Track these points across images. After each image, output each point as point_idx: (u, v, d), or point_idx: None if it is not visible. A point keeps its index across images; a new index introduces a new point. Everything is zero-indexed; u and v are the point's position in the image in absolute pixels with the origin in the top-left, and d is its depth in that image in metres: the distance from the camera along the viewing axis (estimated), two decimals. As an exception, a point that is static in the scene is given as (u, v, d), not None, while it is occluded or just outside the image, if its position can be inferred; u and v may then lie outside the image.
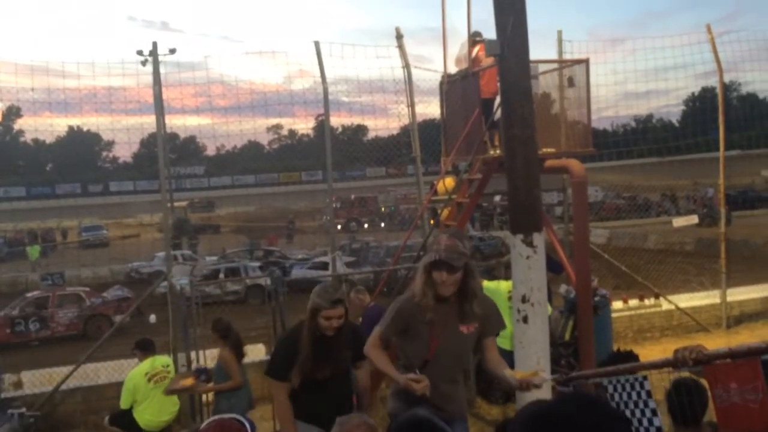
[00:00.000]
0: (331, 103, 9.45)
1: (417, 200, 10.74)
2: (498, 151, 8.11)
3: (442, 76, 9.58)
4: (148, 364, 7.11)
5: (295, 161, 76.08)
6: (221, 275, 22.05)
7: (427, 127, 11.47)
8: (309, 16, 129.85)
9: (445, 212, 8.70)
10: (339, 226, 36.84)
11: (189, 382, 6.52)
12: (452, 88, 9.43)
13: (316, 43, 9.28)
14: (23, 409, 8.15)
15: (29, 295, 18.63)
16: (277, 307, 7.83)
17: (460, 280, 3.54)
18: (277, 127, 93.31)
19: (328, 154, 9.34)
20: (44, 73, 10.32)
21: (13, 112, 79.17)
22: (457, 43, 9.48)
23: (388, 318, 3.74)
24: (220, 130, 11.39)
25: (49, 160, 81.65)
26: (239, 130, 10.95)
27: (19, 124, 79.89)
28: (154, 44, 9.10)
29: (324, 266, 22.60)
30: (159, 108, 9.75)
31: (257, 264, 24.22)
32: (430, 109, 10.58)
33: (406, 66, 9.70)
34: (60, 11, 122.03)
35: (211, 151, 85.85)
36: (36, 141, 79.00)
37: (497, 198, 32.56)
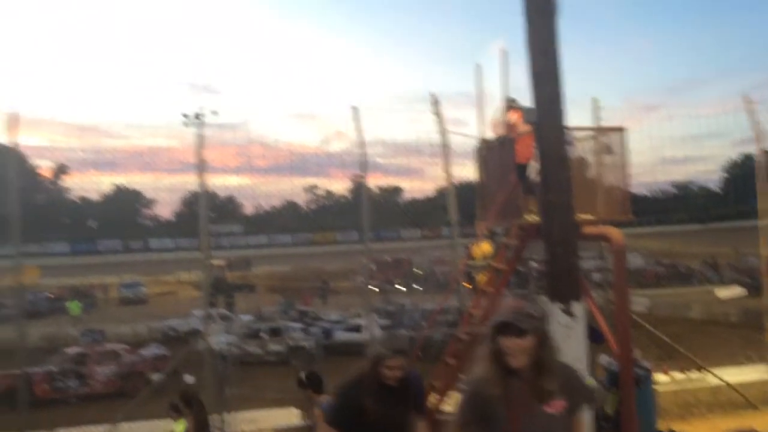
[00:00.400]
0: (367, 164, 9.64)
1: (453, 264, 10.74)
2: (535, 217, 8.12)
3: (479, 141, 9.73)
4: (182, 425, 7.14)
5: (331, 221, 76.78)
6: (263, 335, 22.08)
7: (463, 189, 11.56)
8: (346, 79, 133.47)
9: (483, 277, 8.67)
10: (374, 288, 36.77)
11: None
12: (489, 152, 9.55)
13: (354, 109, 9.55)
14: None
15: (69, 350, 18.88)
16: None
17: (532, 349, 3.02)
18: (314, 188, 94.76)
19: (365, 215, 9.46)
20: (94, 133, 10.73)
21: (62, 170, 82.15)
22: (492, 108, 9.66)
23: (459, 409, 3.26)
24: (258, 190, 11.62)
25: (93, 217, 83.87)
26: (277, 190, 11.15)
27: (65, 181, 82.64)
28: (199, 108, 9.45)
29: (358, 329, 22.50)
30: (201, 168, 10.03)
31: (300, 325, 24.15)
32: (466, 171, 10.70)
33: (442, 131, 9.88)
34: (112, 75, 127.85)
35: (249, 210, 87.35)
36: (82, 198, 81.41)
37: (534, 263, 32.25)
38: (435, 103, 9.79)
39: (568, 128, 6.59)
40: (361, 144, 9.35)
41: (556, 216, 6.05)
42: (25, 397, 9.49)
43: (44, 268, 37.04)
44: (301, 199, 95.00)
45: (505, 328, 3.01)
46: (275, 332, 22.32)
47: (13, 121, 8.77)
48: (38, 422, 10.26)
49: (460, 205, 10.54)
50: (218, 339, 10.88)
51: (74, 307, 33.73)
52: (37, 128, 9.20)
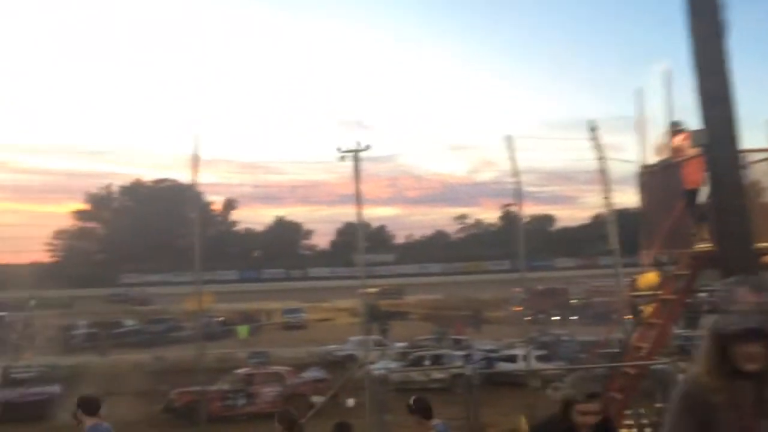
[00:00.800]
0: (517, 193, 9.60)
1: (615, 294, 10.31)
2: (707, 245, 7.63)
3: (640, 166, 9.34)
4: None
5: (481, 250, 76.31)
6: (426, 362, 22.37)
7: (620, 217, 11.11)
8: (495, 109, 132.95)
9: (649, 309, 8.27)
10: (527, 318, 35.94)
11: None
12: (652, 178, 9.14)
13: (509, 138, 9.58)
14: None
15: (238, 371, 20.23)
16: (471, 399, 7.82)
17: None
18: (463, 217, 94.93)
19: (520, 243, 9.39)
20: (256, 170, 11.60)
21: (230, 204, 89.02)
22: (654, 132, 9.27)
23: (674, 415, 2.91)
24: (409, 220, 11.88)
25: (257, 247, 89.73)
26: (427, 220, 11.36)
27: (234, 214, 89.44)
28: (354, 144, 9.92)
29: (511, 359, 22.09)
30: (358, 200, 10.49)
31: (462, 353, 24.03)
32: (623, 198, 10.30)
33: (601, 157, 9.61)
34: (273, 114, 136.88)
35: (400, 239, 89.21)
36: (247, 230, 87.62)
37: (704, 293, 29.89)
38: (593, 128, 9.55)
39: (742, 151, 6.18)
40: (515, 172, 9.34)
41: (732, 244, 5.67)
42: (203, 413, 10.36)
43: (216, 294, 40.15)
44: (451, 228, 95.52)
45: (748, 335, 2.67)
46: (437, 360, 22.50)
47: (194, 162, 9.76)
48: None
49: (618, 233, 10.14)
50: (378, 365, 11.16)
51: (243, 331, 36.20)
52: (210, 167, 10.15)
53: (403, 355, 27.77)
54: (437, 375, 20.93)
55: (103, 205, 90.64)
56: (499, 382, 19.11)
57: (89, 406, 6.49)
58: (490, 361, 22.84)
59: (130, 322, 43.20)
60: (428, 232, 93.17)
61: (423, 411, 6.48)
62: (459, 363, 20.99)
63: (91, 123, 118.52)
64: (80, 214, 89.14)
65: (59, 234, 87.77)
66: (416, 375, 19.26)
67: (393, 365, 21.10)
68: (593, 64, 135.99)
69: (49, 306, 52.35)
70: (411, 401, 6.64)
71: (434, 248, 78.46)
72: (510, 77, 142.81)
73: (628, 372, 8.26)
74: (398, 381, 20.48)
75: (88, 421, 6.31)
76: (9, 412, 18.92)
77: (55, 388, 20.52)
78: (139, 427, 17.48)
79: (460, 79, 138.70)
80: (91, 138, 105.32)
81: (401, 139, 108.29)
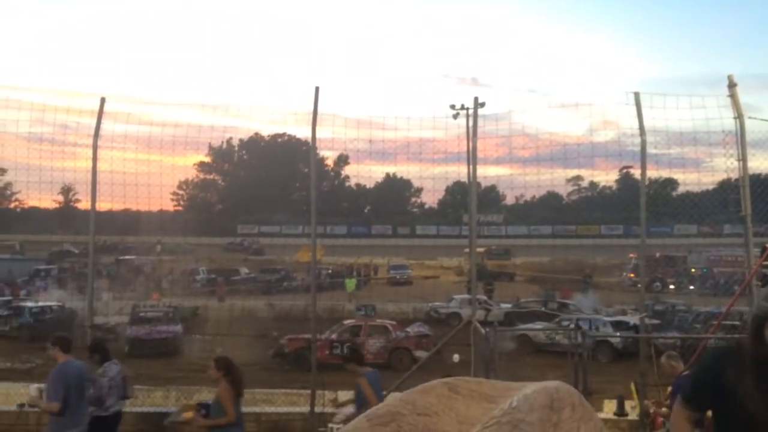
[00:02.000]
0: (636, 155, 9.06)
1: (742, 264, 9.61)
2: None
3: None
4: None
5: (594, 214, 73.61)
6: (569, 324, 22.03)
7: (754, 183, 10.24)
8: (612, 66, 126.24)
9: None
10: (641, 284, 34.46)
11: (189, 415, 6.67)
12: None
13: (636, 95, 8.99)
14: (341, 424, 9.11)
15: (346, 322, 20.87)
16: (581, 364, 7.62)
17: None
18: (577, 179, 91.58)
19: (643, 209, 8.88)
20: (368, 126, 11.61)
21: (342, 160, 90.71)
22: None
23: (695, 379, 2.90)
24: (519, 181, 11.56)
25: (367, 203, 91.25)
26: (539, 181, 11.02)
27: (346, 170, 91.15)
28: (476, 99, 9.69)
29: (620, 325, 21.30)
30: (473, 159, 10.27)
31: (609, 319, 23.24)
32: (756, 163, 9.45)
33: (739, 116, 8.82)
34: (386, 71, 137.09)
35: (510, 200, 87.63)
36: (358, 185, 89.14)
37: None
38: (733, 85, 8.75)
39: None
40: (641, 132, 8.78)
41: None
42: (314, 359, 10.74)
43: (326, 247, 41.31)
44: (564, 191, 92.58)
45: None
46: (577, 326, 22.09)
47: (313, 117, 9.89)
48: (323, 383, 11.51)
49: (752, 201, 9.37)
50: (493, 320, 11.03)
51: (351, 284, 37.17)
52: (324, 122, 10.22)
53: (507, 315, 27.58)
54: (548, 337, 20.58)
55: (224, 158, 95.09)
56: (608, 350, 18.62)
57: (64, 345, 7.08)
58: (598, 326, 22.19)
59: (245, 270, 45.49)
60: (540, 193, 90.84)
61: (357, 359, 7.48)
62: (606, 330, 20.37)
63: (216, 78, 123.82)
64: (203, 166, 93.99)
65: (183, 184, 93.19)
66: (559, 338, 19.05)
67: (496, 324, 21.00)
68: (728, 20, 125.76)
69: (174, 252, 56.06)
70: (347, 350, 6.98)
71: (545, 210, 76.49)
72: (634, 31, 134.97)
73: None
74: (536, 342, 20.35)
75: (61, 358, 6.92)
76: (136, 348, 20.54)
77: (178, 328, 22.04)
78: (252, 369, 18.50)
79: (579, 34, 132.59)
80: (216, 92, 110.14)
81: (517, 97, 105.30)
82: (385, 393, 10.43)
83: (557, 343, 19.70)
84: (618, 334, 19.86)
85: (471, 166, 10.25)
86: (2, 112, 11.28)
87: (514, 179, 11.91)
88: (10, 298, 28.77)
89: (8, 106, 11.29)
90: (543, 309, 28.21)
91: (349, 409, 7.17)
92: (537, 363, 18.35)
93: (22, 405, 10.86)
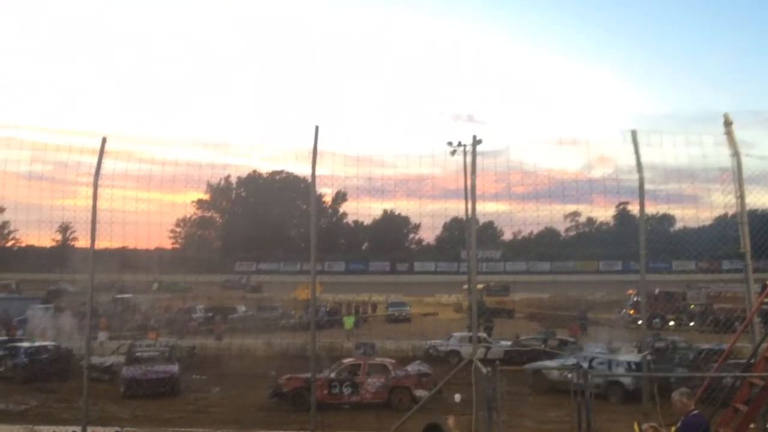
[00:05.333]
0: (634, 191, 9.10)
1: (742, 300, 9.59)
2: None
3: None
4: None
5: (593, 250, 73.62)
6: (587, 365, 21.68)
7: (752, 219, 10.28)
8: (608, 100, 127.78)
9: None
10: (641, 321, 34.24)
11: None
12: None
13: (633, 132, 9.09)
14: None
15: (345, 361, 20.61)
16: (584, 403, 7.53)
17: None
18: (575, 215, 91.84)
19: (642, 246, 8.90)
20: (367, 163, 11.67)
21: (341, 197, 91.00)
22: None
23: None
24: (518, 217, 11.59)
25: (365, 240, 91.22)
26: (536, 217, 11.06)
27: (344, 207, 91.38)
28: (474, 137, 9.77)
29: (623, 363, 21.03)
30: (472, 196, 10.30)
31: (628, 359, 22.74)
32: (754, 199, 9.48)
33: (736, 154, 8.90)
34: (382, 109, 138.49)
35: (508, 236, 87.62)
36: (356, 222, 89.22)
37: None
38: (729, 123, 8.84)
39: None
40: (638, 168, 8.85)
41: None
42: (314, 400, 10.62)
43: (325, 284, 41.13)
44: (561, 227, 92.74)
45: None
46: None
47: (313, 155, 9.96)
48: (322, 424, 11.38)
49: (752, 237, 9.39)
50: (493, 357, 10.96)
51: (349, 321, 36.90)
52: (322, 160, 10.31)
53: (506, 353, 27.27)
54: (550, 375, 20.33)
55: (222, 196, 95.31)
56: (619, 390, 18.41)
57: None
58: (599, 364, 21.92)
59: (242, 308, 45.17)
60: (538, 228, 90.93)
61: None
62: (620, 370, 20.06)
63: (215, 116, 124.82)
64: (201, 204, 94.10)
65: (181, 222, 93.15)
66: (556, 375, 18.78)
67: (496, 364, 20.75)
68: (722, 55, 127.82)
69: (171, 290, 55.77)
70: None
71: (543, 246, 76.51)
72: (629, 66, 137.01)
73: (756, 383, 7.71)
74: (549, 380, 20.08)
75: None
76: (133, 388, 20.24)
77: (175, 368, 21.76)
78: (251, 410, 18.25)
79: (575, 70, 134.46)
80: (215, 131, 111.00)
81: (512, 134, 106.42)
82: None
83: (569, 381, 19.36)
84: (623, 373, 19.57)
85: (470, 203, 10.29)
86: (3, 151, 11.35)
87: (512, 215, 11.93)
88: (6, 337, 28.46)
89: (9, 146, 11.37)
90: (543, 347, 27.94)
91: None
92: (538, 402, 18.15)
93: (16, 448, 10.70)
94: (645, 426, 6.97)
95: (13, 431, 12.30)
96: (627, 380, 18.59)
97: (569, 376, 8.38)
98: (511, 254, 73.99)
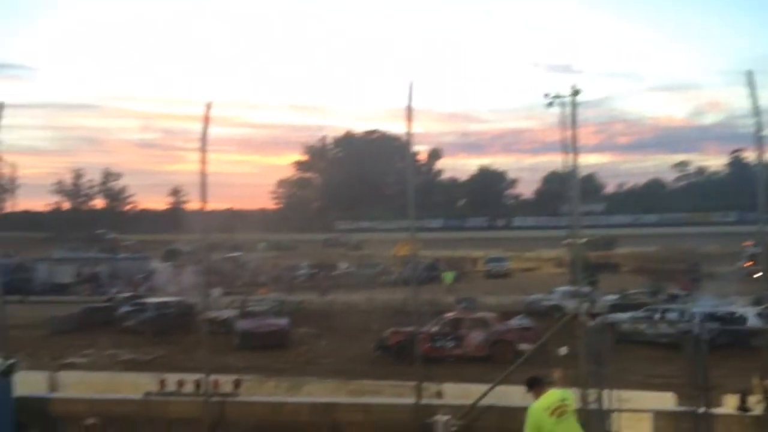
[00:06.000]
0: (749, 137, 8.54)
1: None
2: None
3: None
4: (549, 399, 7.22)
5: (704, 201, 69.80)
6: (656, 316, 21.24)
7: None
8: (714, 44, 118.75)
9: None
10: (759, 274, 32.33)
11: None
12: None
13: (749, 73, 8.49)
14: (448, 417, 9.19)
15: (446, 315, 20.85)
16: (698, 358, 7.30)
17: None
18: (684, 165, 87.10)
19: (761, 193, 8.38)
20: (461, 120, 11.57)
21: (435, 154, 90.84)
22: None
23: None
24: (621, 168, 11.14)
25: (461, 196, 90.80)
26: (642, 167, 10.61)
27: (439, 164, 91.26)
28: (573, 86, 9.45)
29: (734, 318, 20.08)
30: (569, 148, 10.02)
31: (745, 312, 22.02)
32: None
33: None
34: (474, 62, 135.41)
35: (611, 188, 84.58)
36: (451, 179, 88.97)
37: None
38: None
39: None
40: (756, 112, 8.30)
41: None
42: (418, 352, 10.86)
43: (421, 241, 41.46)
44: (669, 177, 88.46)
45: None
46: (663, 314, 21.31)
47: (408, 113, 9.98)
48: (427, 376, 11.61)
49: None
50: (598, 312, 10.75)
51: (448, 277, 37.11)
52: (416, 117, 10.28)
53: (612, 308, 26.62)
54: (665, 330, 19.71)
55: (319, 157, 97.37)
56: (725, 343, 17.64)
57: None
58: (716, 318, 21.05)
59: (344, 265, 46.47)
60: (643, 180, 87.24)
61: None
62: (685, 318, 19.52)
63: (308, 78, 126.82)
64: (299, 165, 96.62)
65: (282, 183, 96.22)
66: (647, 327, 18.37)
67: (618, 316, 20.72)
68: None
69: (276, 248, 58.13)
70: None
71: (649, 198, 73.36)
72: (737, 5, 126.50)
73: None
74: (624, 332, 19.87)
75: None
76: (247, 340, 21.42)
77: (285, 321, 22.81)
78: (356, 362, 18.93)
79: (678, 12, 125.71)
80: (308, 93, 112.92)
81: (612, 83, 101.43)
82: (488, 386, 10.42)
83: (668, 334, 18.83)
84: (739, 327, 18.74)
85: (570, 155, 10.00)
86: (113, 120, 12.12)
87: (616, 166, 11.48)
88: (131, 294, 30.75)
89: (118, 115, 12.10)
90: (651, 300, 27.08)
91: None
92: (647, 356, 17.70)
93: (148, 393, 11.67)
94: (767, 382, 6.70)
95: (143, 378, 13.34)
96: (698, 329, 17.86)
97: (641, 327, 8.22)
98: (615, 207, 71.47)
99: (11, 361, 11.52)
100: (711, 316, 20.87)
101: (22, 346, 19.01)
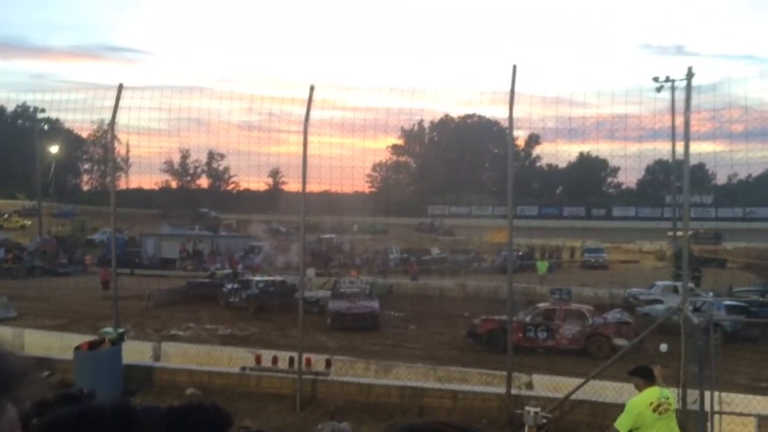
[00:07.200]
0: None
1: None
2: None
3: None
4: (652, 394, 6.98)
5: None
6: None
7: None
8: None
9: None
10: None
11: None
12: None
13: None
14: (538, 409, 9.03)
15: (540, 305, 20.44)
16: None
17: None
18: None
19: None
20: (565, 104, 11.18)
21: (533, 140, 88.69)
22: None
23: None
24: (735, 158, 10.44)
25: (559, 184, 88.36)
26: (760, 157, 9.92)
27: (536, 149, 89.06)
28: (689, 69, 8.92)
29: None
30: (685, 135, 9.50)
31: None
32: None
33: None
34: (581, 43, 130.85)
35: (721, 179, 79.67)
36: (549, 165, 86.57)
37: None
38: None
39: None
40: None
41: None
42: (509, 342, 10.73)
43: (516, 228, 40.75)
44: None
45: None
46: None
47: (512, 97, 9.79)
48: (518, 365, 11.47)
49: None
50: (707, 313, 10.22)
51: (542, 266, 36.29)
52: (517, 101, 10.03)
53: (728, 309, 25.22)
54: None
55: (415, 140, 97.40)
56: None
57: None
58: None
59: (436, 251, 46.42)
60: (757, 171, 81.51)
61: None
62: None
63: (408, 63, 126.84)
64: (395, 149, 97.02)
65: (377, 166, 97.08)
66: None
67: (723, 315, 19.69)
68: None
69: (369, 231, 58.87)
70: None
71: (764, 190, 68.58)
72: None
73: None
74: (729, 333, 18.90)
75: None
76: (338, 321, 21.86)
77: (376, 304, 23.10)
78: (445, 348, 18.93)
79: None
80: (407, 77, 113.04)
81: (729, 65, 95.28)
82: (580, 379, 10.16)
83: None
84: None
85: (683, 143, 9.46)
86: (217, 102, 12.58)
87: (726, 156, 10.80)
88: (230, 271, 32.04)
89: (222, 97, 12.55)
90: (761, 299, 25.44)
91: None
92: (757, 358, 16.69)
93: (244, 368, 12.18)
94: None
95: (239, 353, 13.92)
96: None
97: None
98: (725, 199, 67.41)
99: (121, 330, 12.33)
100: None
101: (130, 316, 20.31)
